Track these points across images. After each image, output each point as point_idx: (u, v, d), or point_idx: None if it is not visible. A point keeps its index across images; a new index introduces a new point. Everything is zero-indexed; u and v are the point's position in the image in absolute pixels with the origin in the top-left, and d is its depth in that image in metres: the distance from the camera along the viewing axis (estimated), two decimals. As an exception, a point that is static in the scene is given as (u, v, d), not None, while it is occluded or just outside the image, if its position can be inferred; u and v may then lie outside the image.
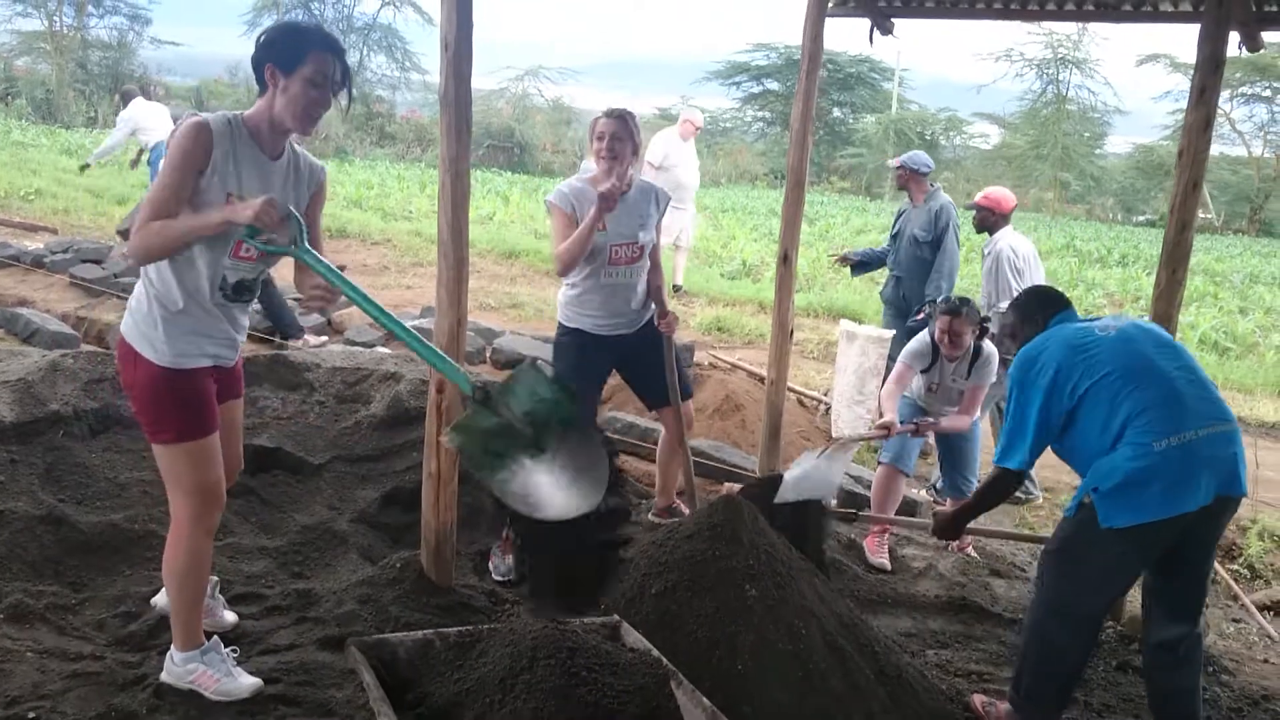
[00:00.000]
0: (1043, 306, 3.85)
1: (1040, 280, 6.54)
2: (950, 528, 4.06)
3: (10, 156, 19.37)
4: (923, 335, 5.43)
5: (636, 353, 4.64)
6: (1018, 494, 6.51)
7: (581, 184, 4.48)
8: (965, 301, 5.23)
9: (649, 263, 4.64)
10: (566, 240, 4.35)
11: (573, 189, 4.46)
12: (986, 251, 6.71)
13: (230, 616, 3.70)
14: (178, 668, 3.23)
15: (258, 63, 3.03)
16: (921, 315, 6.59)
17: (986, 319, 5.38)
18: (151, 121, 11.37)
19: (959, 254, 7.12)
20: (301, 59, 2.98)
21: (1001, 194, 6.76)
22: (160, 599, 3.67)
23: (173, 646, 3.25)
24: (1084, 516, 3.45)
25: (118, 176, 17.97)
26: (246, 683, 3.22)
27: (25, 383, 4.64)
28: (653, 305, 4.71)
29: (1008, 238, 6.62)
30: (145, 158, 11.70)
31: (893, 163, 7.54)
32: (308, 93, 3.00)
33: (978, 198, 6.85)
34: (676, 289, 11.86)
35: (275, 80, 3.00)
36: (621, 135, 4.38)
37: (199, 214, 2.89)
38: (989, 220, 6.68)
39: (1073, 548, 3.53)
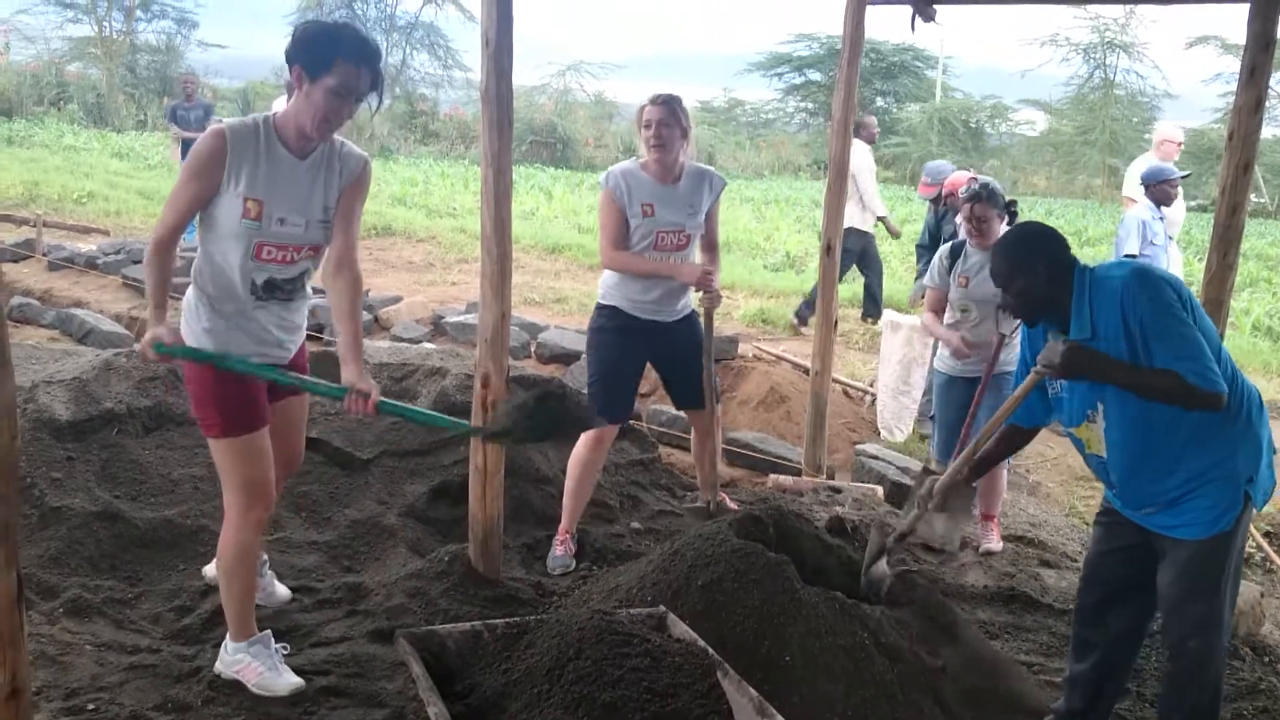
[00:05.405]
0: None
1: None
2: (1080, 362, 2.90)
3: (63, 160, 19.76)
4: (940, 250, 5.05)
5: (672, 346, 4.55)
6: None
7: (634, 167, 4.39)
8: (987, 186, 4.82)
9: (696, 251, 4.53)
10: (612, 232, 4.33)
11: (625, 172, 4.37)
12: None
13: (284, 590, 3.82)
14: (229, 656, 3.30)
15: (288, 58, 3.03)
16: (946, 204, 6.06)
17: (1013, 202, 4.92)
18: None
19: None
20: (328, 67, 2.96)
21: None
22: (210, 569, 3.81)
23: (228, 637, 3.32)
24: (1241, 516, 2.96)
25: (168, 179, 18.24)
26: (288, 681, 3.25)
27: (80, 381, 4.72)
28: (690, 297, 4.59)
29: None
30: None
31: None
32: (329, 101, 2.99)
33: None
34: None
35: (300, 83, 3.01)
36: (669, 121, 4.28)
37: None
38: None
39: (1236, 561, 3.02)
